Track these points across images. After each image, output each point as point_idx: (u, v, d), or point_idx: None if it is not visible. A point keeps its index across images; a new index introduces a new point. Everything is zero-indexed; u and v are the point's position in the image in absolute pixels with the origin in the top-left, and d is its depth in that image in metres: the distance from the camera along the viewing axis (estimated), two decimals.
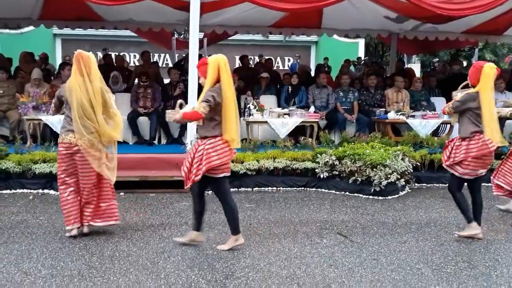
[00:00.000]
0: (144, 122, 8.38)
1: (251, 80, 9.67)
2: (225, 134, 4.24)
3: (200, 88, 4.56)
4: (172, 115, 4.37)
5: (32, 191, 6.53)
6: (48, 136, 7.76)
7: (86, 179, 4.64)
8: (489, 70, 4.68)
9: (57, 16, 9.89)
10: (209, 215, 5.59)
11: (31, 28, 14.10)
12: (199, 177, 4.20)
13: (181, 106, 4.50)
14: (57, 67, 11.49)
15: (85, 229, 4.76)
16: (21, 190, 6.55)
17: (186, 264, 4.14)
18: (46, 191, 6.56)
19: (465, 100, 4.79)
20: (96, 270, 3.96)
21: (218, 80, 4.20)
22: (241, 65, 11.74)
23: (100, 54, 14.75)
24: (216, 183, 4.36)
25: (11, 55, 11.36)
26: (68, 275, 3.84)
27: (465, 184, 4.94)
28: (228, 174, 4.37)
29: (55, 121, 7.39)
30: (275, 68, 13.63)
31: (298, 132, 8.05)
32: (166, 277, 3.85)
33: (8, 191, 6.52)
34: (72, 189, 4.66)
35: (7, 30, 16.15)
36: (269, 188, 6.95)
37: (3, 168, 6.51)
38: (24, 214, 5.51)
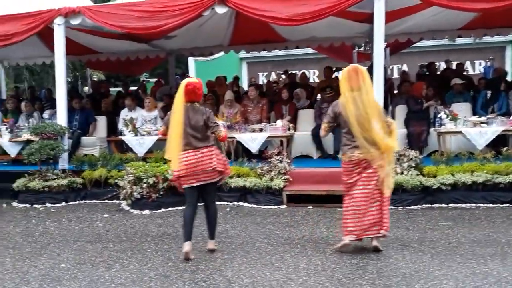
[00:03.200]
0: (327, 137, 8.38)
1: (441, 87, 9.03)
2: None
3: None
4: None
5: (228, 203, 7.00)
6: (241, 153, 8.30)
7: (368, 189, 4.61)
8: None
9: (245, 41, 10.69)
10: (402, 232, 5.33)
11: (220, 54, 15.50)
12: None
13: None
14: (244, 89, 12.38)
15: (374, 242, 4.68)
16: (218, 203, 7.01)
17: (382, 282, 3.95)
18: (240, 203, 6.98)
19: None
20: (293, 281, 4.03)
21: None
22: (427, 72, 11.08)
23: (278, 73, 15.51)
24: None
25: (204, 79, 12.58)
26: (268, 285, 3.96)
27: None
28: (186, 186, 4.69)
29: (247, 139, 7.88)
30: (464, 73, 12.55)
31: (499, 142, 7.22)
32: None
33: None
34: (356, 201, 4.64)
35: (200, 57, 18.13)
36: (467, 204, 6.35)
37: None
38: (224, 224, 5.92)
